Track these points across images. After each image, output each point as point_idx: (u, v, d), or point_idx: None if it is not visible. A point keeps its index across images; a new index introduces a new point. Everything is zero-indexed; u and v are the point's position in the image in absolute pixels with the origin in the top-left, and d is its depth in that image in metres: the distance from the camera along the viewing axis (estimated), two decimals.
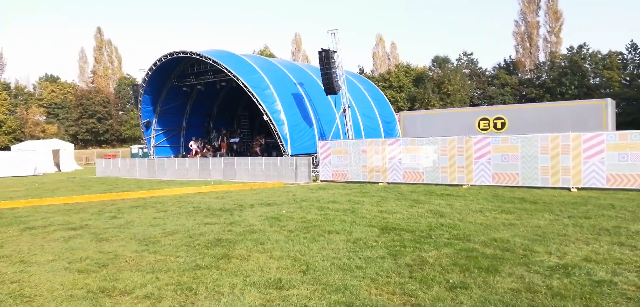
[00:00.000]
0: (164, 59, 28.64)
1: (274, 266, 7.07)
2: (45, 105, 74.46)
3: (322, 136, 27.68)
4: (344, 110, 26.13)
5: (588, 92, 55.27)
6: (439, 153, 18.81)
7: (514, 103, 57.44)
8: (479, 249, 7.68)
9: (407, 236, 8.96)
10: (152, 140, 32.72)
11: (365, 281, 6.14)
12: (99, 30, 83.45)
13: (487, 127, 31.78)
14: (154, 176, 28.00)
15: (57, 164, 41.32)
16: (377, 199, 14.52)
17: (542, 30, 64.92)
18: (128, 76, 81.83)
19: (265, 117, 25.22)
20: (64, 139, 55.73)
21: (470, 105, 60.52)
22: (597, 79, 57.99)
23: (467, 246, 7.88)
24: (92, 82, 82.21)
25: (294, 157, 23.28)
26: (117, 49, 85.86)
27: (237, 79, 25.71)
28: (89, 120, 73.13)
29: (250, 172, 24.40)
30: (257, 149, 29.39)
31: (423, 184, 18.78)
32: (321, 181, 21.87)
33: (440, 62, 64.90)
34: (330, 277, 6.36)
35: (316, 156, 25.13)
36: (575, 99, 52.15)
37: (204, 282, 6.28)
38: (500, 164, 17.57)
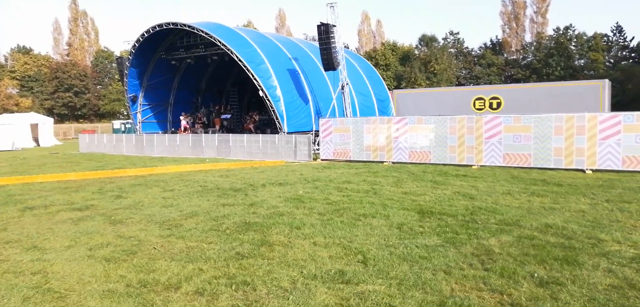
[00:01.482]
0: (152, 30, 27.29)
1: (325, 254, 6.38)
2: (18, 77, 71.49)
3: (318, 114, 26.90)
4: (342, 87, 25.37)
5: (573, 74, 55.60)
6: (448, 132, 18.27)
7: (499, 83, 57.40)
8: (538, 236, 7.12)
9: (451, 220, 8.37)
10: (139, 116, 31.43)
11: (439, 275, 5.50)
12: (73, 0, 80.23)
13: (483, 107, 31.41)
14: (143, 152, 26.87)
15: (36, 139, 39.58)
16: (393, 180, 13.90)
17: (529, 11, 64.96)
18: (105, 49, 79.27)
19: (260, 93, 24.28)
20: (38, 113, 53.58)
21: (457, 85, 60.37)
22: (582, 61, 58.32)
23: (524, 233, 7.32)
24: (67, 55, 79.21)
25: (293, 135, 22.48)
26: (93, 20, 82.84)
27: (232, 52, 24.63)
28: (66, 94, 70.59)
29: (246, 149, 23.53)
30: (251, 126, 28.46)
31: (431, 164, 18.23)
32: (322, 160, 21.16)
33: (427, 41, 64.42)
34: (397, 269, 5.71)
35: (312, 134, 24.44)
36: (560, 80, 52.42)
37: (257, 275, 5.56)
38: (511, 144, 17.11)
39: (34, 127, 39.89)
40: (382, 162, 19.41)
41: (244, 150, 23.66)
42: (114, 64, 75.82)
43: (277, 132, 24.41)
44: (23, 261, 6.19)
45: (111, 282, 5.37)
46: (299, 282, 5.32)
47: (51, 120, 44.41)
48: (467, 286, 5.16)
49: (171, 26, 26.68)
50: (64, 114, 71.31)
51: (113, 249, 6.72)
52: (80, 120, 72.17)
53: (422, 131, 18.88)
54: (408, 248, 6.57)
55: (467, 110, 30.33)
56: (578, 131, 16.10)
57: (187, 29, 26.18)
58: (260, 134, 24.24)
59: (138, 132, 31.04)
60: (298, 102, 25.80)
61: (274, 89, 24.44)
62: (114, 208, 9.97)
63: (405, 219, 8.44)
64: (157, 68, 30.93)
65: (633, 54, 56.27)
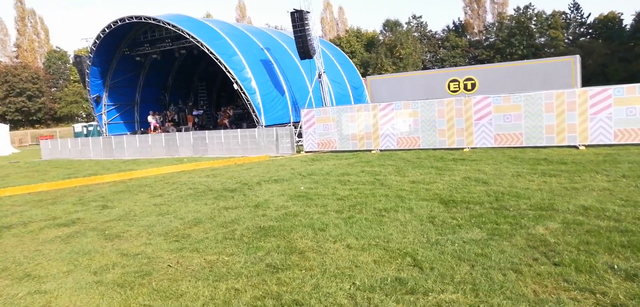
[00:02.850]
0: (113, 25, 25.80)
1: (368, 259, 5.70)
2: None
3: (295, 104, 26.12)
4: (320, 76, 24.63)
5: (536, 52, 56.60)
6: (436, 116, 17.84)
7: (464, 65, 57.81)
8: (585, 221, 6.65)
9: (479, 209, 7.83)
10: (104, 117, 29.82)
11: (510, 275, 4.90)
12: None
13: (457, 89, 31.32)
14: (113, 156, 25.40)
15: None
16: (392, 169, 13.32)
17: None
18: (58, 49, 75.65)
19: (235, 86, 23.30)
20: None
21: (423, 69, 60.53)
22: (543, 39, 59.43)
23: (567, 218, 6.84)
24: (16, 57, 75.22)
25: (274, 128, 21.64)
26: (42, 19, 78.93)
27: (202, 45, 23.51)
28: (18, 98, 66.84)
29: (224, 146, 22.50)
30: (226, 121, 27.35)
31: (420, 149, 17.77)
32: (306, 152, 20.40)
33: (391, 25, 64.27)
34: (459, 271, 5.08)
35: (289, 125, 23.72)
36: (523, 58, 53.22)
37: (306, 291, 4.81)
38: (502, 124, 16.83)
39: None
40: (370, 150, 18.84)
41: (221, 147, 22.64)
42: (68, 64, 72.64)
43: (254, 126, 23.53)
44: (19, 295, 5.23)
45: None
46: (357, 296, 4.62)
47: (7, 127, 41.86)
48: (549, 286, 4.58)
49: (134, 20, 25.29)
50: (17, 120, 67.57)
51: (122, 271, 5.83)
52: (36, 126, 68.67)
53: (408, 117, 18.43)
54: (456, 245, 5.96)
55: (442, 93, 30.16)
56: (569, 107, 15.94)
57: (152, 22, 24.86)
58: (238, 129, 23.24)
59: (104, 134, 29.45)
60: (274, 94, 24.94)
61: (248, 82, 23.50)
62: (104, 220, 8.97)
63: (431, 212, 7.84)
64: (120, 66, 29.35)
65: (590, 30, 57.77)
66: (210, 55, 23.40)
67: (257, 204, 9.44)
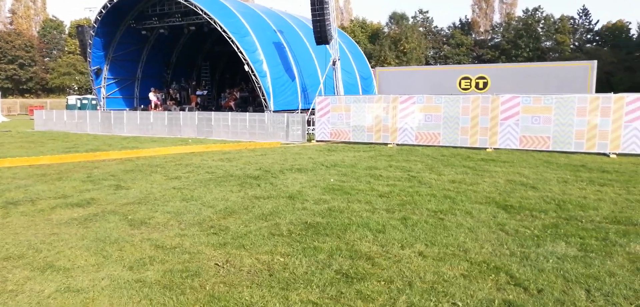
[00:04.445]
0: None
1: (455, 272, 4.88)
2: None
3: (304, 91, 25.24)
4: (334, 62, 23.69)
5: (541, 56, 56.09)
6: (460, 113, 17.06)
7: (468, 63, 57.13)
8: None
9: (544, 217, 7.05)
10: (103, 91, 28.62)
11: None
12: None
13: (469, 87, 30.61)
14: (111, 131, 24.30)
15: None
16: (421, 165, 12.52)
17: None
18: (54, 18, 73.64)
19: (245, 67, 22.34)
20: None
21: (425, 64, 59.75)
22: (549, 43, 58.89)
23: None
24: (10, 24, 73.10)
25: (285, 114, 20.71)
26: None
27: (214, 22, 22.46)
28: (9, 66, 64.96)
29: (231, 129, 21.54)
30: (232, 103, 26.34)
31: (441, 146, 16.98)
32: (317, 141, 19.52)
33: (397, 18, 63.25)
34: (576, 296, 4.29)
35: (299, 112, 22.92)
36: (528, 61, 52.65)
37: None
38: (529, 126, 16.09)
39: None
40: (387, 144, 18.02)
41: (227, 130, 21.67)
42: (64, 35, 70.89)
43: (260, 110, 22.63)
44: (46, 293, 4.33)
45: None
46: None
47: None
48: None
49: None
50: (7, 87, 65.68)
51: (163, 268, 4.95)
52: (26, 95, 66.86)
53: (429, 112, 17.61)
54: (551, 261, 5.16)
55: (452, 90, 29.37)
56: (603, 113, 15.24)
57: None
58: (247, 113, 22.28)
59: (102, 108, 28.31)
60: (284, 78, 24.02)
61: (260, 64, 22.54)
62: (122, 203, 8.06)
63: (494, 217, 7.04)
64: (124, 38, 28.16)
65: (597, 38, 57.31)
66: (223, 33, 22.38)
67: (291, 196, 8.57)
